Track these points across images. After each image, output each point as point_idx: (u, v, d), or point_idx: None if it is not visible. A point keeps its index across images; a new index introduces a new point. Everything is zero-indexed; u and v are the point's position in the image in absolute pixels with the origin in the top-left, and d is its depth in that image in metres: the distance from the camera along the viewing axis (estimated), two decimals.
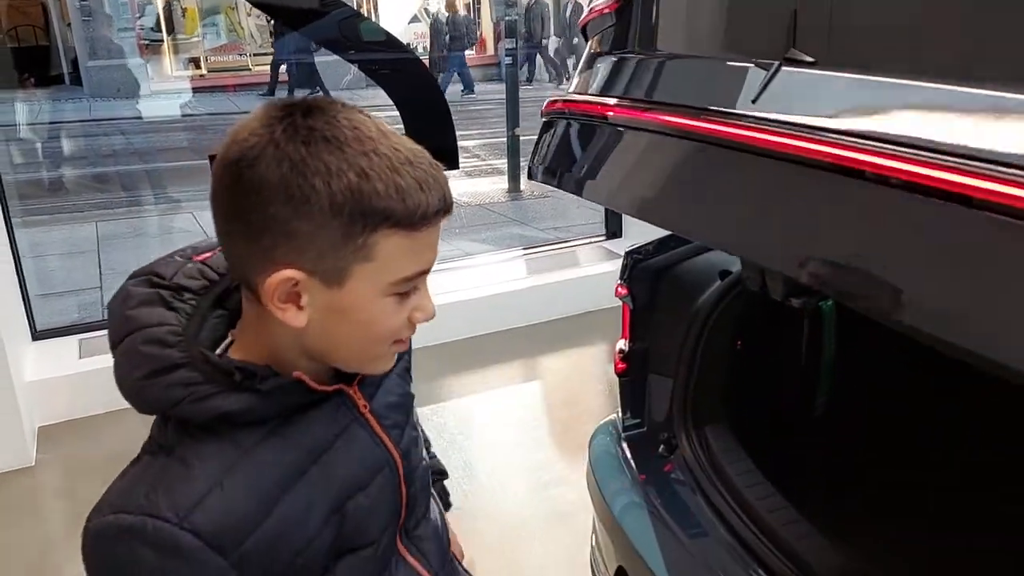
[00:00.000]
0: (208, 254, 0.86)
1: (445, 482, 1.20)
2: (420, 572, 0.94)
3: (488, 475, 2.91)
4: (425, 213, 0.76)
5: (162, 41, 13.14)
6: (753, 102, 0.99)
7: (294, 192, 0.73)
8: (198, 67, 13.53)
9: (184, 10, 13.49)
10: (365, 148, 0.74)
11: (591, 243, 4.90)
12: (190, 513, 0.75)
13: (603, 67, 1.42)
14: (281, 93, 11.75)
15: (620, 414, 1.68)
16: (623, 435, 1.65)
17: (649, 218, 1.19)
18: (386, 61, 3.98)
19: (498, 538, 2.55)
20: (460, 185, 7.85)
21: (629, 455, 1.60)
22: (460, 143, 9.57)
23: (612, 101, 1.32)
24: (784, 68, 0.99)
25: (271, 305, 0.77)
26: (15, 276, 3.45)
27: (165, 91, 12.61)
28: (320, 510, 0.82)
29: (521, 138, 6.68)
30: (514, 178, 7.26)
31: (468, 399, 3.51)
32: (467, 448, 3.10)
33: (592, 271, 4.41)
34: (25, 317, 3.53)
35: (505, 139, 6.96)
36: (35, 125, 8.92)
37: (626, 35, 1.39)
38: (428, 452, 1.09)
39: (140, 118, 9.23)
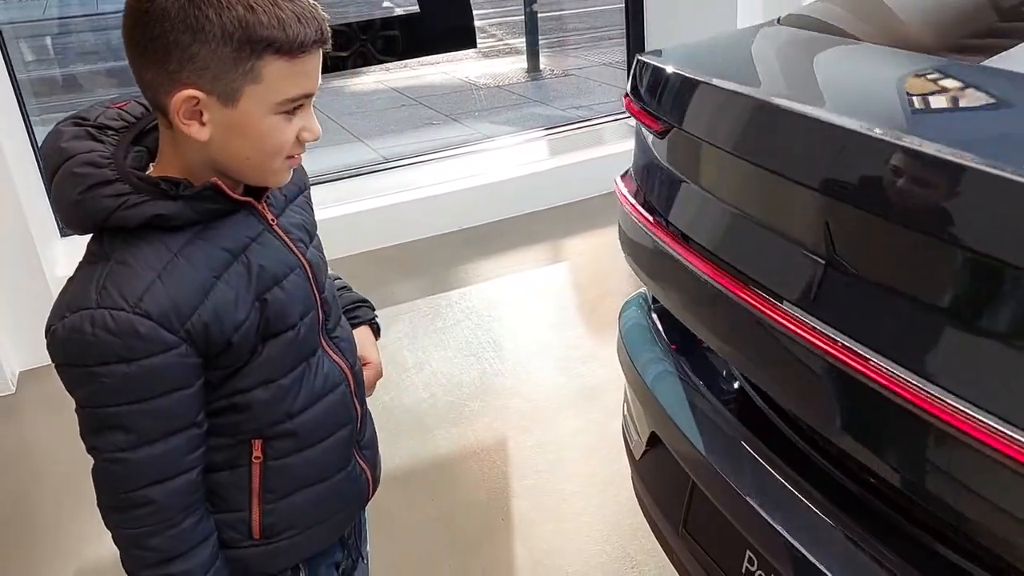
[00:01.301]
0: (123, 103, 1.02)
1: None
2: (339, 363, 1.13)
3: (516, 354, 2.94)
4: (303, 42, 0.91)
5: None
6: None
7: (191, 21, 0.87)
8: None
9: None
10: None
11: (616, 120, 4.79)
12: (140, 301, 0.92)
13: None
14: None
15: None
16: (652, 305, 1.65)
17: None
18: None
19: (529, 415, 2.60)
20: (477, 67, 7.68)
21: (659, 325, 1.60)
22: (478, 23, 9.32)
23: None
24: None
25: (177, 121, 0.92)
26: (38, 175, 3.45)
27: None
28: (246, 298, 0.99)
29: (539, 14, 6.48)
30: (533, 56, 7.08)
31: (495, 282, 3.52)
32: (495, 329, 3.13)
33: (616, 149, 4.31)
34: (52, 214, 3.55)
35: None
36: (43, 21, 8.76)
37: None
38: (345, 285, 1.32)
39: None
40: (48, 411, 2.78)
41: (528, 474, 2.35)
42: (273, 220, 1.05)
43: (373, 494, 1.24)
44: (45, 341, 0.94)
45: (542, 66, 7.11)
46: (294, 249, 1.06)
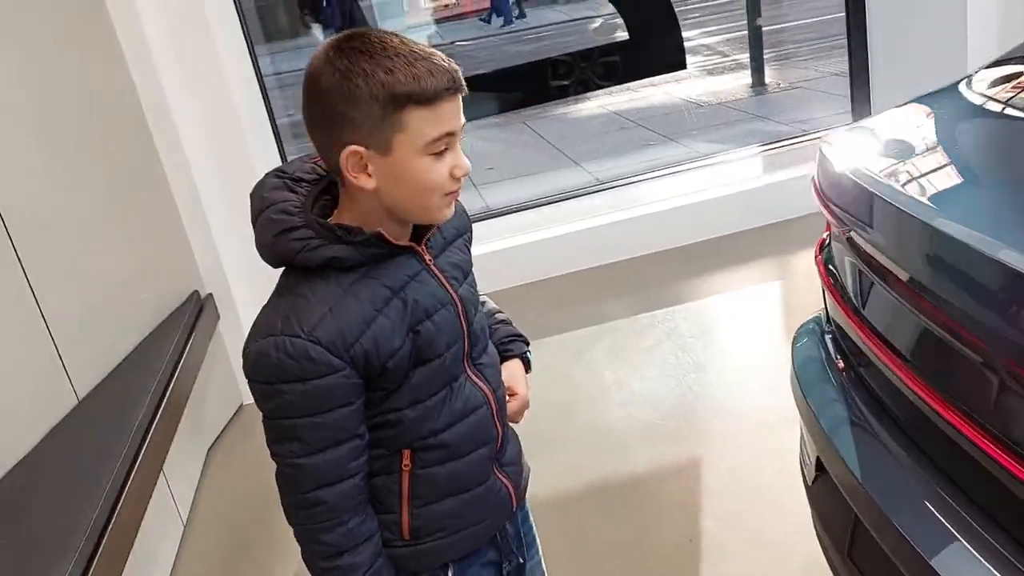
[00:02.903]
0: (317, 158, 1.17)
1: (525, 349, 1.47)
2: (481, 387, 1.26)
3: (719, 376, 2.92)
4: (436, 91, 1.06)
5: None
6: None
7: (345, 92, 1.05)
8: None
9: None
10: (388, 53, 1.06)
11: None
12: (313, 329, 1.08)
13: None
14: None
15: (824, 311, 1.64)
16: (826, 329, 1.61)
17: None
18: None
19: (731, 436, 2.58)
20: (700, 85, 7.61)
21: (832, 352, 1.57)
22: (702, 40, 9.23)
23: None
24: None
25: (348, 176, 1.09)
26: None
27: (418, 24, 13.21)
28: (401, 330, 1.14)
29: (768, 27, 6.32)
30: (757, 70, 6.90)
31: (704, 301, 3.51)
32: (698, 350, 3.12)
33: None
34: None
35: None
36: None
37: None
38: (496, 316, 1.44)
39: None
40: None
41: (724, 497, 2.34)
42: (431, 261, 1.20)
43: (517, 506, 1.35)
44: (242, 361, 1.12)
45: (767, 80, 6.92)
46: (447, 286, 1.20)
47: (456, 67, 1.10)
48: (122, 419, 2.17)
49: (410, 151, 1.08)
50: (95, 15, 2.77)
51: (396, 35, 1.09)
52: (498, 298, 1.48)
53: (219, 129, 3.12)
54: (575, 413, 2.84)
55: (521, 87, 4.79)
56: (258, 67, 3.58)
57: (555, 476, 2.47)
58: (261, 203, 1.14)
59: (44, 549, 1.69)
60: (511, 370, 1.41)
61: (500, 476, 1.31)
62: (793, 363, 1.63)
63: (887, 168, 1.38)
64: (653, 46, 4.06)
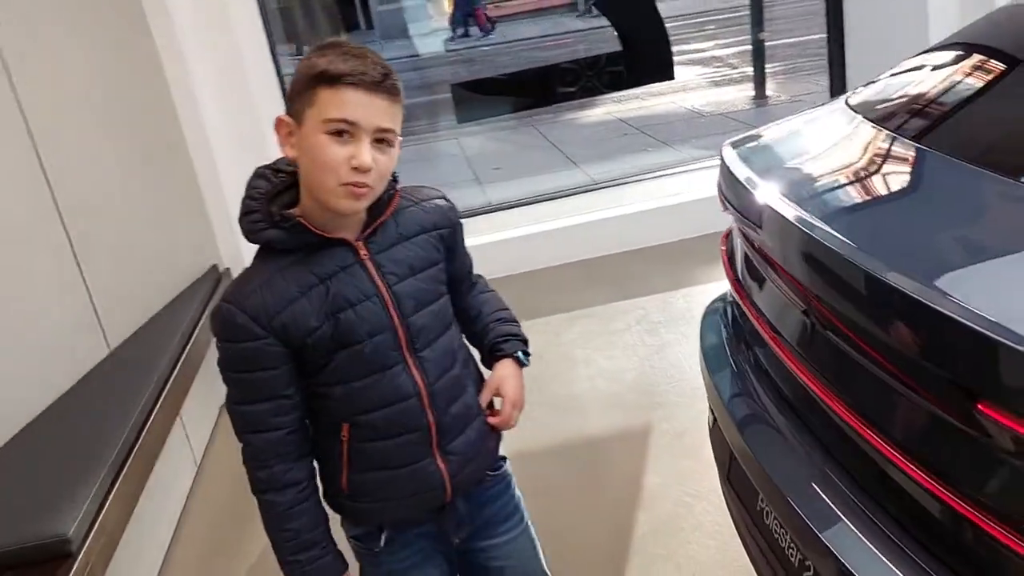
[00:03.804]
0: None
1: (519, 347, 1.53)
2: (416, 378, 1.34)
3: (678, 358, 3.24)
4: (342, 76, 1.18)
5: None
6: None
7: (297, 73, 1.22)
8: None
9: None
10: (339, 50, 1.21)
11: None
12: (243, 300, 1.25)
13: None
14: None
15: None
16: (728, 310, 1.93)
17: None
18: None
19: (681, 406, 2.89)
20: (705, 95, 7.91)
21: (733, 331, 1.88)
22: (714, 52, 9.51)
23: None
24: None
25: (279, 144, 1.24)
26: None
27: (442, 28, 13.54)
28: (321, 312, 1.27)
29: (773, 42, 6.62)
30: (759, 83, 7.18)
31: (672, 293, 3.81)
32: (661, 335, 3.44)
33: None
34: None
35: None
36: None
37: None
38: (496, 314, 1.52)
39: (416, 55, 10.16)
40: None
41: (668, 456, 2.66)
42: (365, 255, 1.30)
43: (453, 492, 1.41)
44: None
45: (769, 93, 7.19)
46: (376, 279, 1.30)
47: (384, 71, 1.21)
48: (146, 369, 2.54)
49: (313, 125, 1.19)
50: (136, 20, 3.14)
51: (365, 47, 1.23)
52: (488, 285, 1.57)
53: (239, 123, 3.47)
54: (546, 383, 3.17)
55: (526, 91, 5.12)
56: (278, 64, 3.94)
57: (525, 433, 2.79)
58: (245, 188, 1.30)
59: (76, 470, 2.03)
60: (500, 371, 1.47)
61: (438, 461, 1.38)
62: (700, 336, 1.94)
63: (770, 174, 1.64)
64: (643, 57, 4.38)
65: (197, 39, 3.32)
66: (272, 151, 3.55)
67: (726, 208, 1.75)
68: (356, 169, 1.20)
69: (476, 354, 1.53)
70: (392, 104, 1.23)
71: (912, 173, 1.49)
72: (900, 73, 1.82)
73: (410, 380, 1.34)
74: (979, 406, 0.98)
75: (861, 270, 1.17)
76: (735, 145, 1.80)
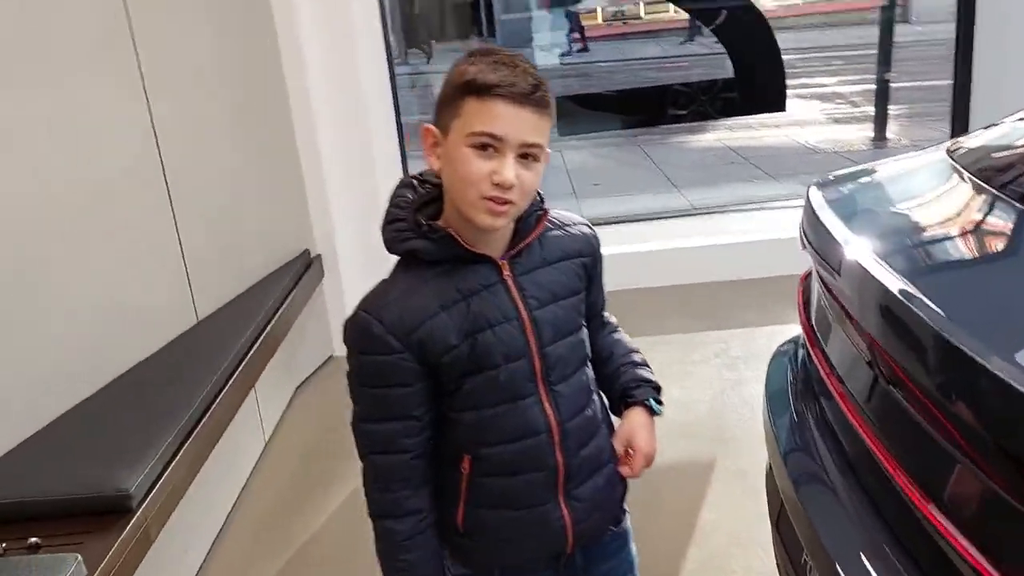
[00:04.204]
0: None
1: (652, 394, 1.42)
2: (548, 413, 1.26)
3: (753, 395, 3.13)
4: (491, 87, 1.12)
5: None
6: None
7: (445, 81, 1.18)
8: (594, 18, 14.38)
9: None
10: (491, 58, 1.16)
11: None
12: (380, 310, 1.20)
13: None
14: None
15: None
16: (798, 354, 1.87)
17: None
18: (718, 9, 4.22)
19: (746, 444, 2.82)
20: (822, 131, 7.70)
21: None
22: (837, 88, 9.25)
23: None
24: None
25: (425, 153, 1.21)
26: None
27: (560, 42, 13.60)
28: (460, 330, 1.21)
29: (903, 85, 6.40)
30: (880, 125, 6.94)
31: (758, 329, 3.72)
32: (740, 370, 3.36)
33: None
34: None
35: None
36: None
37: None
38: (629, 356, 1.43)
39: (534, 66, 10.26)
40: None
41: (726, 491, 2.60)
42: (509, 275, 1.23)
43: (574, 542, 1.32)
44: None
45: (889, 135, 6.94)
46: (518, 302, 1.23)
47: (535, 83, 1.14)
48: (227, 342, 2.63)
49: (458, 137, 1.15)
50: (262, 10, 3.27)
51: (518, 55, 1.17)
52: None
53: (348, 119, 3.58)
54: None
55: (635, 109, 5.09)
56: (392, 66, 4.03)
57: None
58: (390, 196, 1.26)
59: (147, 430, 2.12)
60: (631, 420, 1.37)
61: (563, 506, 1.29)
62: (767, 378, 1.88)
63: (855, 219, 1.57)
64: (756, 86, 4.30)
65: (316, 34, 3.44)
66: (376, 152, 3.63)
67: (805, 248, 1.70)
68: (498, 185, 1.14)
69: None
70: (540, 117, 1.16)
71: (1010, 238, 1.40)
72: (1011, 125, 1.73)
73: (542, 415, 1.25)
74: None
75: (940, 336, 1.09)
76: (822, 185, 1.75)
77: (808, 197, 1.74)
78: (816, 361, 1.62)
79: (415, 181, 1.27)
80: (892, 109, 6.85)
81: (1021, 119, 1.72)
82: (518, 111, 1.13)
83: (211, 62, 2.93)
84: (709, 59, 4.40)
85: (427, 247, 1.21)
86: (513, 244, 1.25)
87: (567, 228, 1.34)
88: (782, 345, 1.97)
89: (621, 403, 1.40)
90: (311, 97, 3.40)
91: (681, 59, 10.70)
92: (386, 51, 3.90)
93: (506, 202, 1.15)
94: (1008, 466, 1.00)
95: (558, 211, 1.36)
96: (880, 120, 6.91)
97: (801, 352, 1.83)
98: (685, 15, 10.98)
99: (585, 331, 1.34)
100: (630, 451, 1.36)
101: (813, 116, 8.31)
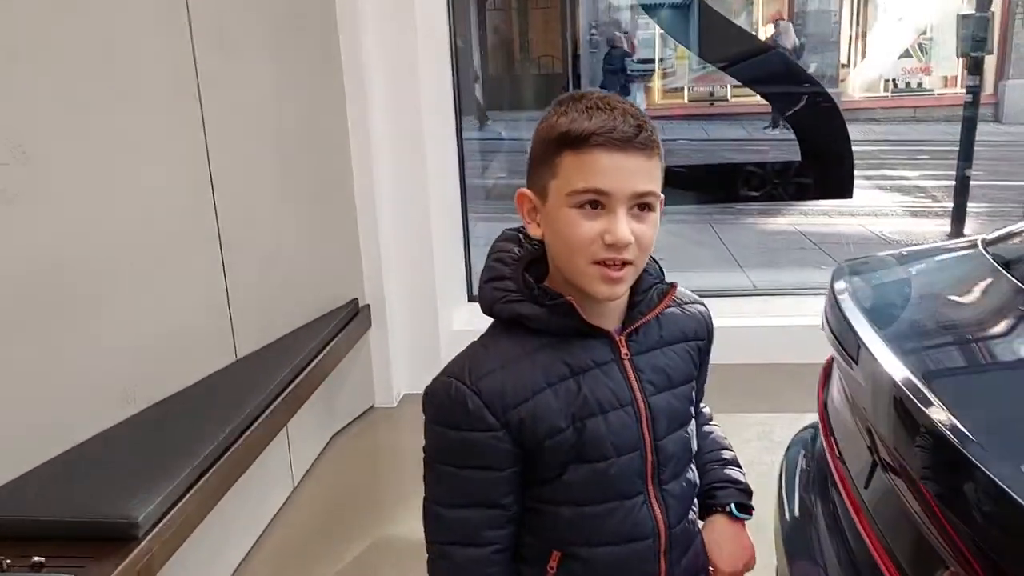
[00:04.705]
0: None
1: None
2: (657, 517, 1.12)
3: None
4: (586, 133, 0.98)
5: (653, 71, 14.23)
6: None
7: (535, 136, 1.06)
8: (680, 96, 14.48)
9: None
10: (585, 103, 1.02)
11: None
12: (479, 380, 1.05)
13: None
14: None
15: None
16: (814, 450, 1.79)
17: None
18: (793, 94, 4.21)
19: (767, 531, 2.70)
20: (899, 223, 7.54)
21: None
22: (919, 182, 9.05)
23: None
24: None
25: (524, 221, 1.09)
26: (462, 253, 4.37)
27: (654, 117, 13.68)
28: (566, 413, 1.06)
29: (972, 181, 6.25)
30: (958, 220, 6.73)
31: (807, 415, 3.59)
32: (779, 453, 3.23)
33: None
34: (465, 284, 4.46)
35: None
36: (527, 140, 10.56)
37: None
38: (719, 453, 1.29)
39: None
40: (415, 428, 3.51)
41: None
42: (626, 355, 1.10)
43: None
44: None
45: (966, 231, 6.72)
46: (635, 386, 1.09)
47: (637, 123, 1.01)
48: (261, 380, 2.67)
49: (559, 199, 1.02)
50: (331, 55, 3.38)
51: (612, 95, 1.04)
52: None
53: (408, 173, 3.65)
54: None
55: (708, 187, 5.06)
56: (459, 124, 4.10)
57: None
58: (491, 250, 1.13)
59: (166, 461, 2.14)
60: (714, 530, 1.23)
61: None
62: (781, 466, 1.80)
63: (877, 310, 1.52)
64: (824, 172, 4.25)
65: (382, 80, 3.51)
66: (433, 206, 3.64)
67: (827, 334, 1.65)
68: (611, 246, 1.00)
69: None
70: (648, 160, 1.02)
71: None
72: None
73: (650, 518, 1.12)
74: None
75: (957, 451, 1.01)
76: (848, 270, 1.70)
77: (832, 280, 1.69)
78: (828, 454, 1.55)
79: (521, 235, 1.14)
80: (972, 206, 6.65)
81: None
82: (623, 159, 1.00)
83: (271, 102, 3.02)
84: (785, 144, 4.34)
85: (538, 314, 1.07)
86: (630, 318, 1.12)
87: (684, 306, 1.21)
88: (800, 432, 1.89)
89: (702, 506, 1.26)
90: (372, 146, 3.48)
91: (760, 142, 10.66)
92: (454, 105, 3.98)
93: (624, 264, 1.02)
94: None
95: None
96: (958, 215, 6.71)
97: (817, 441, 1.76)
98: None
99: (694, 423, 1.22)
100: (710, 568, 1.23)
101: (891, 208, 8.14)
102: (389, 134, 3.57)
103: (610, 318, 1.10)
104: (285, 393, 2.73)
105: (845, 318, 1.48)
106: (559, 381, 1.07)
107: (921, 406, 1.11)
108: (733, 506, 1.24)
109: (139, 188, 2.39)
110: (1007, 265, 1.50)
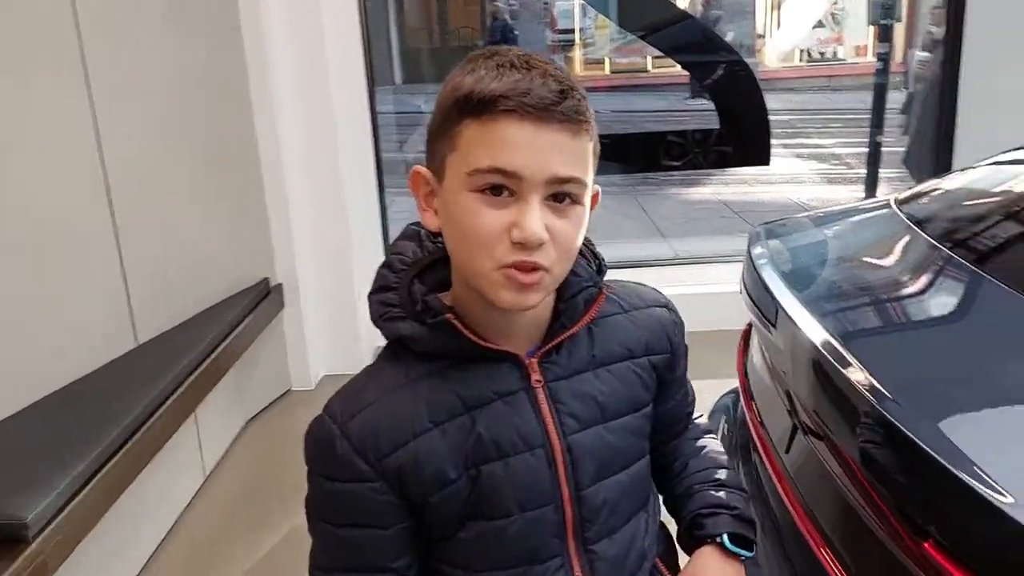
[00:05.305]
0: None
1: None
2: None
3: None
4: (495, 99, 0.76)
5: (573, 42, 14.17)
6: None
7: (437, 102, 0.83)
8: (601, 68, 14.46)
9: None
10: (491, 65, 0.80)
11: None
12: (350, 419, 0.85)
13: None
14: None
15: None
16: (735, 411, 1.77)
17: None
18: (711, 63, 4.21)
19: None
20: (814, 190, 7.69)
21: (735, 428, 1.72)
22: (835, 149, 9.25)
23: None
24: None
25: (418, 207, 0.86)
26: (380, 228, 4.25)
27: None
28: (456, 458, 0.85)
29: (884, 148, 6.39)
30: (870, 186, 6.90)
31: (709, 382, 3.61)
32: None
33: None
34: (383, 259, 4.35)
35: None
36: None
37: None
38: (709, 472, 1.03)
39: None
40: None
41: None
42: (540, 382, 0.88)
43: None
44: None
45: (880, 195, 6.92)
46: (548, 422, 0.87)
47: (560, 88, 0.78)
48: (164, 367, 2.53)
49: (457, 181, 0.80)
50: (227, 16, 3.18)
51: (533, 54, 0.82)
52: None
53: (318, 144, 3.50)
54: None
55: (629, 157, 5.05)
56: (373, 91, 3.95)
57: None
58: (390, 248, 0.93)
59: (61, 455, 2.00)
60: (700, 568, 0.96)
61: None
62: None
63: (794, 272, 1.50)
64: (742, 140, 4.27)
65: (286, 46, 3.35)
66: (346, 179, 3.52)
67: (745, 298, 1.62)
68: (520, 244, 0.78)
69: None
70: (574, 138, 0.80)
71: (956, 299, 1.31)
72: (961, 178, 1.65)
73: None
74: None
75: (876, 411, 0.98)
76: (764, 233, 1.66)
77: (748, 245, 1.65)
78: (749, 420, 1.52)
79: (423, 231, 0.92)
80: (884, 171, 6.82)
81: (969, 176, 1.65)
82: (539, 132, 0.77)
83: (167, 69, 2.83)
84: (706, 114, 4.36)
85: (419, 334, 0.86)
86: (550, 334, 0.90)
87: (635, 311, 0.97)
88: (723, 397, 1.87)
89: (688, 536, 1.02)
90: (278, 121, 3.32)
91: (682, 113, 10.76)
92: (366, 75, 3.83)
93: (535, 268, 0.79)
94: (918, 534, 0.91)
95: (624, 283, 1.01)
96: (871, 181, 6.86)
97: (738, 406, 1.73)
98: None
99: (647, 460, 0.98)
100: None
101: (808, 175, 8.31)
102: (297, 107, 3.42)
103: (522, 337, 0.89)
104: (191, 378, 2.59)
105: (762, 282, 1.44)
106: (449, 418, 0.86)
107: (839, 367, 1.09)
108: (726, 537, 0.97)
109: (23, 176, 2.22)
110: (920, 223, 1.48)
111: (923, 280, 1.38)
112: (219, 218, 3.11)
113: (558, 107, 0.78)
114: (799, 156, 8.89)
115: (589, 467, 0.90)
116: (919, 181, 1.70)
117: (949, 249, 1.34)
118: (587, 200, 0.84)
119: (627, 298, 0.99)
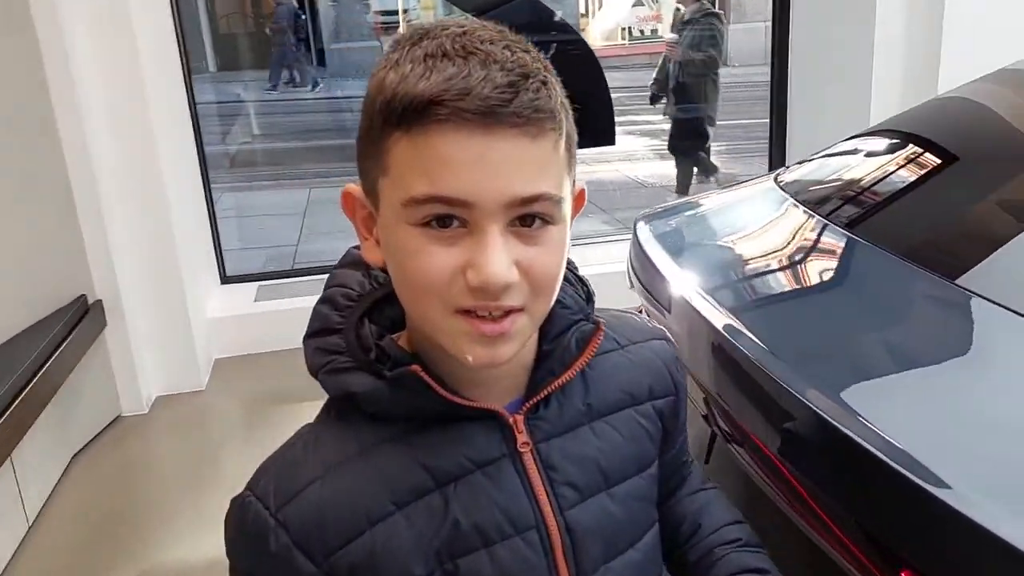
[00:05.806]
0: None
1: None
2: None
3: None
4: (427, 102, 0.58)
5: (397, 24, 13.91)
6: None
7: (364, 102, 0.64)
8: None
9: None
10: (418, 54, 0.61)
11: None
12: (285, 504, 0.66)
13: None
14: None
15: None
16: None
17: None
18: (547, 41, 4.13)
19: None
20: (652, 167, 7.97)
21: None
22: (663, 125, 9.52)
23: None
24: None
25: (359, 236, 0.69)
26: (209, 230, 3.93)
27: None
28: (426, 550, 0.67)
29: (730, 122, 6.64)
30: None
31: None
32: None
33: None
34: (216, 264, 4.02)
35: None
36: (272, 102, 9.97)
37: None
38: (734, 537, 0.86)
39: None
40: (172, 435, 3.12)
41: None
42: (526, 444, 0.71)
43: None
44: None
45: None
46: (541, 496, 0.70)
47: (521, 73, 0.60)
48: None
49: (393, 211, 0.63)
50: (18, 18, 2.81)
51: (486, 30, 0.63)
52: None
53: (132, 150, 3.15)
54: None
55: None
56: (191, 85, 3.65)
57: None
58: (330, 279, 0.74)
59: None
60: None
61: None
62: None
63: (684, 255, 1.47)
64: (587, 120, 4.24)
65: (92, 47, 3.00)
66: (169, 180, 3.18)
67: (633, 287, 1.53)
68: (479, 290, 0.61)
69: None
70: (536, 141, 0.61)
71: (840, 265, 1.33)
72: (835, 155, 1.65)
73: None
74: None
75: (770, 378, 1.01)
76: (649, 219, 1.59)
77: (635, 231, 1.57)
78: None
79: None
80: (712, 145, 7.11)
81: (841, 152, 1.67)
82: (487, 142, 0.59)
83: None
84: None
85: (375, 390, 0.67)
86: (535, 382, 0.72)
87: (632, 346, 0.80)
88: None
89: None
90: (84, 121, 2.94)
91: None
92: (182, 65, 3.53)
93: (506, 313, 0.62)
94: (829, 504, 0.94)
95: (612, 312, 0.83)
96: (706, 156, 7.13)
97: None
98: None
99: (656, 530, 0.80)
100: None
101: (642, 152, 8.51)
102: (104, 104, 3.05)
103: (500, 388, 0.71)
104: (2, 418, 2.25)
105: (653, 266, 1.36)
106: (415, 499, 0.68)
107: (738, 344, 1.10)
108: None
109: None
110: (799, 197, 1.47)
111: (808, 248, 1.38)
112: (20, 232, 2.73)
113: (509, 106, 0.59)
114: (630, 133, 9.08)
115: (593, 548, 0.72)
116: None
117: (827, 217, 1.36)
118: (566, 213, 0.66)
119: (621, 331, 0.81)
